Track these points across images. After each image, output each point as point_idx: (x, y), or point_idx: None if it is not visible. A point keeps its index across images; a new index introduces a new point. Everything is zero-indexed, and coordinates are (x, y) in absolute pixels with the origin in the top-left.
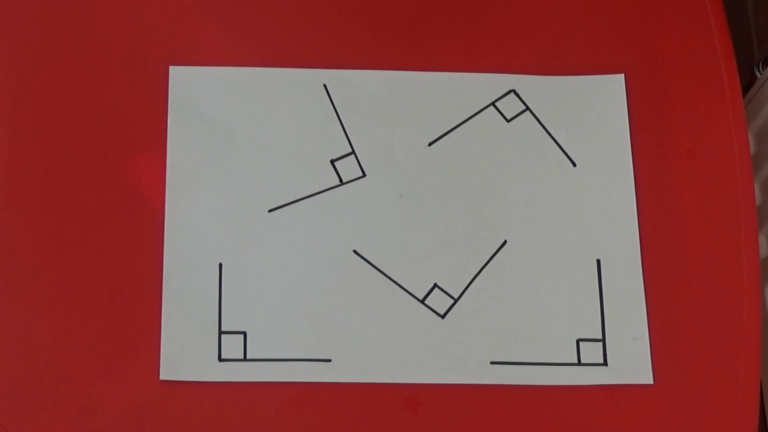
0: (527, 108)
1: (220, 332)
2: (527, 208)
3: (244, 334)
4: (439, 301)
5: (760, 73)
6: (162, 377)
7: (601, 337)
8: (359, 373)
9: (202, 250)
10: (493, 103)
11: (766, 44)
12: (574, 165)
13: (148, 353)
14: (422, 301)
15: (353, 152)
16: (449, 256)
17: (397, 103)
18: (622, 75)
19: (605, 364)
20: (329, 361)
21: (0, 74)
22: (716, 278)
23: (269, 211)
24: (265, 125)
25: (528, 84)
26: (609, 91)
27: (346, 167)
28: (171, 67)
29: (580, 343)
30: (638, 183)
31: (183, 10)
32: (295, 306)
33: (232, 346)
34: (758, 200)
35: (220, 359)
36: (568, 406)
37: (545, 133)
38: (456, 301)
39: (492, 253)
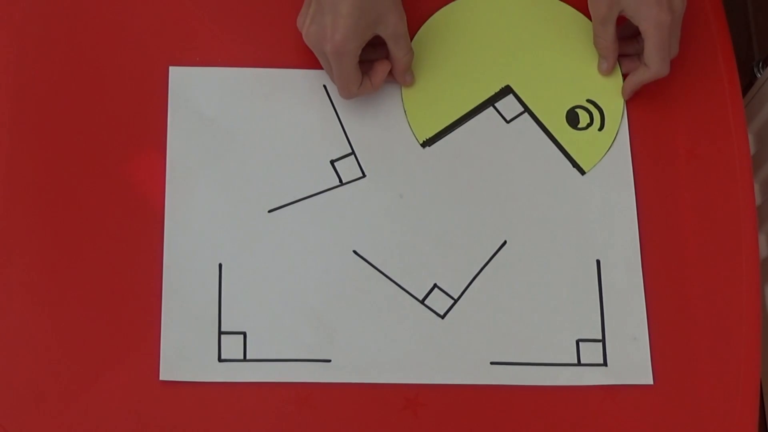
0: (526, 109)
1: (220, 332)
2: (527, 209)
3: (244, 334)
4: (439, 302)
5: (760, 73)
6: (162, 377)
7: (600, 337)
8: (359, 373)
9: (202, 250)
10: (492, 104)
11: (766, 44)
12: (574, 165)
13: (148, 353)
14: (422, 302)
15: (353, 152)
16: (449, 256)
17: (397, 103)
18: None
19: (605, 364)
20: (329, 361)
21: (0, 74)
22: (716, 278)
23: (269, 211)
24: (265, 125)
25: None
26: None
27: (346, 167)
28: (171, 67)
29: (580, 343)
30: (638, 183)
31: (183, 10)
32: (295, 306)
33: (232, 347)
34: (758, 200)
35: (219, 359)
36: (568, 406)
37: (544, 134)
38: (456, 301)
39: (492, 254)
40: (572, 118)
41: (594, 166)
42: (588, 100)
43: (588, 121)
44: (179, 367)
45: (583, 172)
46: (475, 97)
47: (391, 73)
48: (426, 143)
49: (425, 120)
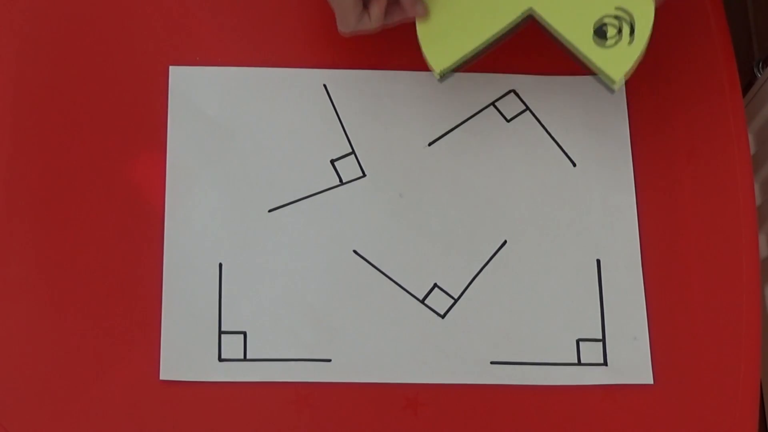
0: (527, 108)
1: (220, 332)
2: (527, 208)
3: (244, 334)
4: (439, 301)
5: (760, 73)
6: (162, 377)
7: (601, 337)
8: (359, 373)
9: (202, 250)
10: (493, 103)
11: (766, 44)
12: (574, 165)
13: (148, 353)
14: (422, 301)
15: (353, 152)
16: (449, 256)
17: (397, 103)
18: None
19: (605, 364)
20: (329, 361)
21: (0, 74)
22: (716, 278)
23: (269, 211)
24: (265, 125)
25: (528, 84)
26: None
27: (346, 167)
28: (171, 67)
29: (580, 343)
30: (638, 183)
31: (183, 10)
32: (295, 306)
33: (232, 346)
34: (758, 200)
35: (220, 359)
36: (568, 406)
37: (545, 133)
38: (456, 301)
39: (492, 253)
40: (600, 33)
41: (623, 76)
42: (617, 8)
43: (616, 32)
44: (179, 367)
45: (612, 91)
46: (494, 24)
47: (401, 9)
48: (443, 76)
49: (442, 50)
